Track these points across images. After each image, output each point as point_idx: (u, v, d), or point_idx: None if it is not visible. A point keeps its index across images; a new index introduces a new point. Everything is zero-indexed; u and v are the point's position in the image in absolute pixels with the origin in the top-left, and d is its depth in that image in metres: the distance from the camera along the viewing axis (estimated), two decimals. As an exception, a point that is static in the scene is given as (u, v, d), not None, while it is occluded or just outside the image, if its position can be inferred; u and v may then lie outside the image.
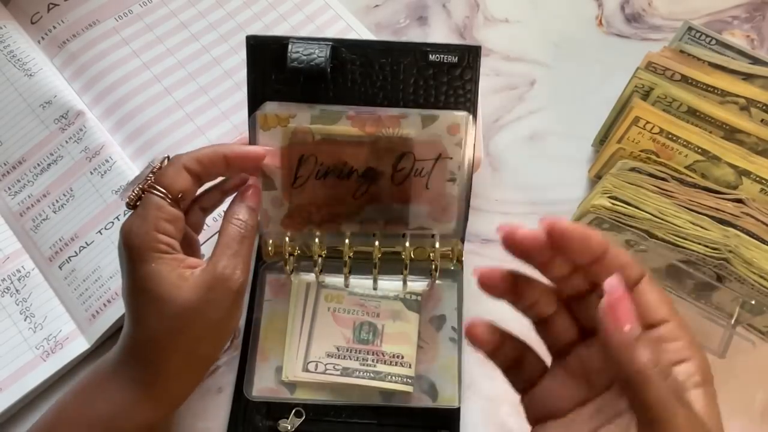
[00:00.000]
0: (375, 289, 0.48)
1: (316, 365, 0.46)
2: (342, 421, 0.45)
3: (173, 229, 0.39)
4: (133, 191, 0.40)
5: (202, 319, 0.38)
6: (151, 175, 0.40)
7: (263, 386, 0.46)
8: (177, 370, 0.39)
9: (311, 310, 0.48)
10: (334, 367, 0.46)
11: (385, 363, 0.46)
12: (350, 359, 0.46)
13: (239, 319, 0.40)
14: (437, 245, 0.47)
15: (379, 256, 0.47)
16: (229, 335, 0.41)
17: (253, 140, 0.45)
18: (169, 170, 0.40)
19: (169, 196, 0.39)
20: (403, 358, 0.46)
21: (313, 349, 0.46)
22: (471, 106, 0.45)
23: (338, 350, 0.46)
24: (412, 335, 0.47)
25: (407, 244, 0.47)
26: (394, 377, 0.46)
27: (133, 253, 0.38)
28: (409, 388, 0.45)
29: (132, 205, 0.40)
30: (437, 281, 0.48)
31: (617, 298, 0.28)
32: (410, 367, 0.46)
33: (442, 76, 0.45)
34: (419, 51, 0.44)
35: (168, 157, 0.41)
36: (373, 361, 0.46)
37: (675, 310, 0.30)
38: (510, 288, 0.32)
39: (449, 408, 0.45)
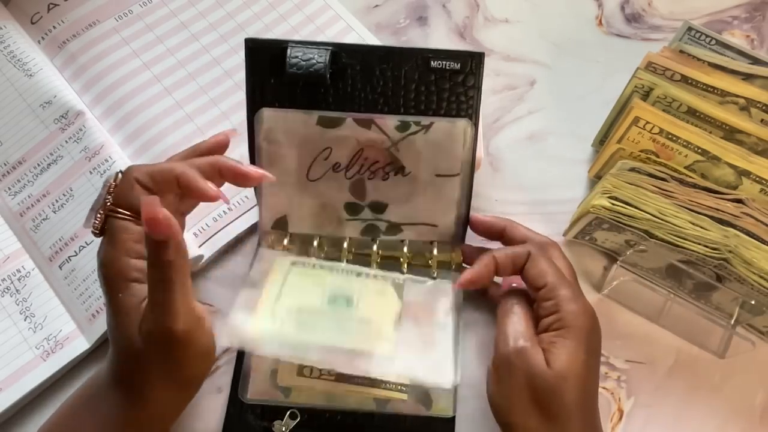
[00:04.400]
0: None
1: (311, 370, 0.46)
2: (337, 424, 0.45)
3: (143, 247, 0.38)
4: (96, 218, 0.38)
5: (160, 363, 0.37)
6: (108, 197, 0.39)
7: (258, 389, 0.46)
8: (161, 396, 0.38)
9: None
10: (329, 372, 0.45)
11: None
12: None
13: (207, 341, 0.38)
14: (435, 252, 0.47)
15: (378, 260, 0.47)
16: (203, 360, 0.39)
17: (252, 145, 0.45)
18: (123, 187, 0.39)
19: (130, 215, 0.38)
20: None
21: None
22: (473, 113, 0.45)
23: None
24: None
25: (405, 249, 0.47)
26: (388, 384, 0.45)
27: (107, 285, 0.38)
28: (403, 396, 0.45)
29: (99, 233, 0.38)
30: (435, 283, 0.48)
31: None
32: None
33: (444, 83, 0.44)
34: (421, 57, 0.44)
35: (120, 171, 0.40)
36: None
37: (554, 274, 0.42)
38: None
39: (444, 417, 0.45)
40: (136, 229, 0.38)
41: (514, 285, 0.45)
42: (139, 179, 0.39)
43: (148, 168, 0.39)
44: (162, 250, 0.35)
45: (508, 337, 0.41)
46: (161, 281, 0.35)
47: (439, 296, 0.46)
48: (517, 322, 0.41)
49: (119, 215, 0.38)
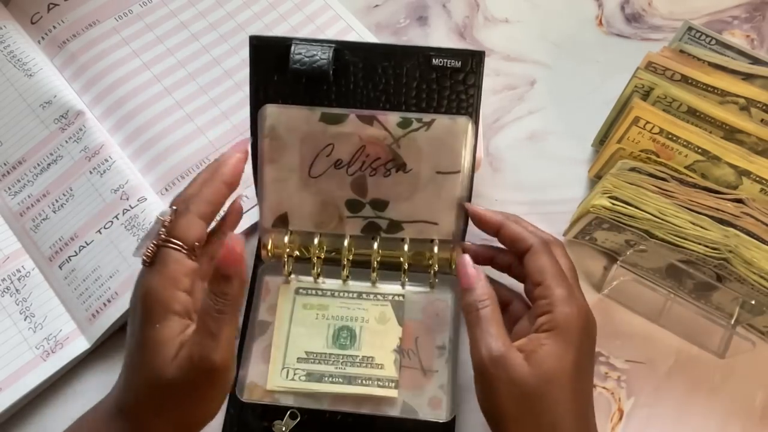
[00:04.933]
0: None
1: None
2: (337, 424, 0.45)
3: (190, 282, 0.38)
4: (148, 248, 0.38)
5: (184, 396, 0.37)
6: (163, 230, 0.39)
7: (254, 389, 0.46)
8: None
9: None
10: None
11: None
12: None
13: (230, 382, 0.38)
14: (436, 250, 0.47)
15: (378, 259, 0.47)
16: (220, 400, 0.39)
17: (255, 142, 0.45)
18: (181, 221, 0.39)
19: (185, 248, 0.38)
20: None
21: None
22: (473, 111, 0.45)
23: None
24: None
25: (406, 248, 0.47)
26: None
27: (144, 313, 0.37)
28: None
29: (149, 263, 0.38)
30: (434, 292, 0.48)
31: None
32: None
33: (445, 81, 0.45)
34: (422, 55, 0.44)
35: (174, 208, 0.40)
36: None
37: (554, 273, 0.40)
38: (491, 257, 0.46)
39: (442, 421, 0.45)
40: (188, 263, 0.38)
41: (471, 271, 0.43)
42: (200, 212, 0.39)
43: (202, 197, 0.40)
44: (227, 283, 0.37)
45: (480, 347, 0.39)
46: (218, 312, 0.36)
47: (439, 311, 0.48)
48: (486, 329, 0.39)
49: (173, 246, 0.38)
